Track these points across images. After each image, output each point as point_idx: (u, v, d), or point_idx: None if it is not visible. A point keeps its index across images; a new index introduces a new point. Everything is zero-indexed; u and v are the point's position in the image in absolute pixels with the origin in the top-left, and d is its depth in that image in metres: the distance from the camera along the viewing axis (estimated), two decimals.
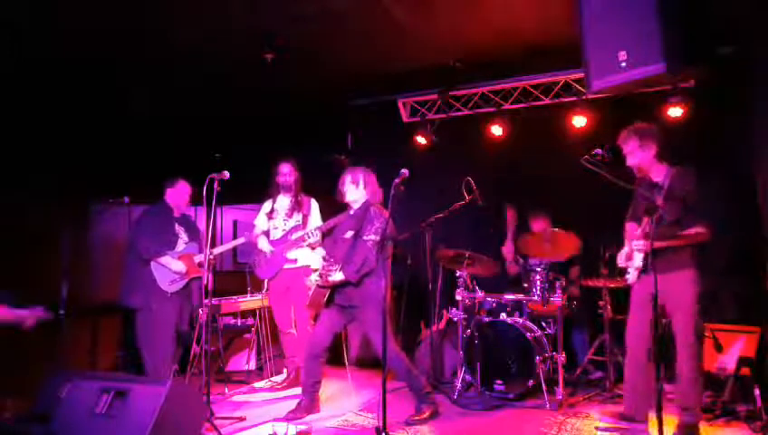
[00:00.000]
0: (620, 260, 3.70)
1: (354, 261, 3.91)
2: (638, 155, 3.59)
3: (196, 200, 4.63)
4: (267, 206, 5.08)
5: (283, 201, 5.01)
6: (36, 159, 5.11)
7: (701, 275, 3.47)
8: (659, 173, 3.60)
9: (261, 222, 5.08)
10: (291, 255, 4.88)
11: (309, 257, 4.67)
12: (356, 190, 4.10)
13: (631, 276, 3.66)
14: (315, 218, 4.91)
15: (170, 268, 4.47)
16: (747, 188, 4.62)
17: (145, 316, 4.43)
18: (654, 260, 3.32)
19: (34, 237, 4.99)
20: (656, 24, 2.87)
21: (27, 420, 3.51)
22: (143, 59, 4.90)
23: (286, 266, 4.89)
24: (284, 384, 5.02)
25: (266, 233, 5.02)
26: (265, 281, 5.11)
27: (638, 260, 3.59)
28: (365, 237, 3.93)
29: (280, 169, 4.98)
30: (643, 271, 3.57)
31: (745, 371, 4.02)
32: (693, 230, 3.41)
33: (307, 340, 4.33)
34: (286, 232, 4.92)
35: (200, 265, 4.59)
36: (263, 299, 5.44)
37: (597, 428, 3.71)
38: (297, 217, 4.95)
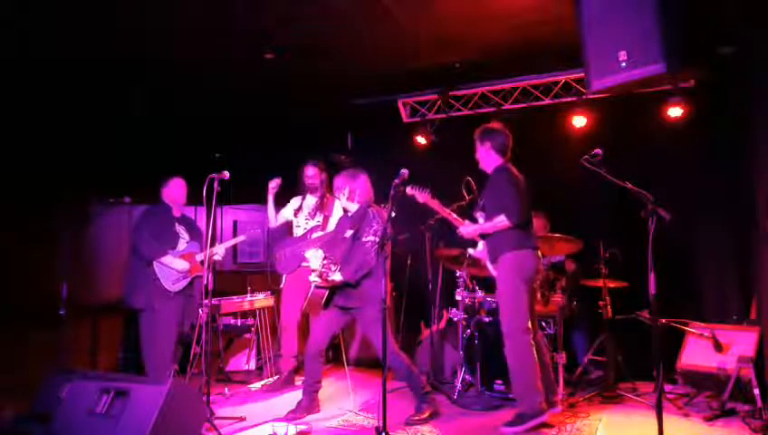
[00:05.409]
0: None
1: (352, 262, 3.92)
2: (478, 152, 4.00)
3: (196, 200, 4.63)
4: (296, 202, 5.16)
5: (311, 200, 5.09)
6: (37, 158, 5.11)
7: (523, 260, 3.75)
8: (489, 169, 3.98)
9: (286, 213, 5.14)
10: (309, 254, 4.89)
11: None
12: (349, 203, 4.15)
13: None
14: (336, 220, 4.93)
15: (173, 267, 4.46)
16: (747, 187, 4.61)
17: (148, 317, 4.41)
18: (486, 246, 3.94)
19: (34, 237, 5.00)
20: (656, 24, 2.87)
21: (27, 420, 3.51)
22: (143, 59, 4.90)
23: (304, 265, 4.89)
24: (277, 384, 4.98)
25: (289, 225, 5.10)
26: (284, 277, 5.11)
27: (480, 246, 4.05)
28: (364, 239, 3.94)
29: (305, 171, 5.04)
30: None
31: (745, 370, 4.01)
32: (496, 219, 3.77)
33: (307, 340, 4.33)
34: (307, 231, 4.98)
35: (203, 262, 4.59)
36: (265, 298, 5.46)
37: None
38: (319, 218, 5.00)
